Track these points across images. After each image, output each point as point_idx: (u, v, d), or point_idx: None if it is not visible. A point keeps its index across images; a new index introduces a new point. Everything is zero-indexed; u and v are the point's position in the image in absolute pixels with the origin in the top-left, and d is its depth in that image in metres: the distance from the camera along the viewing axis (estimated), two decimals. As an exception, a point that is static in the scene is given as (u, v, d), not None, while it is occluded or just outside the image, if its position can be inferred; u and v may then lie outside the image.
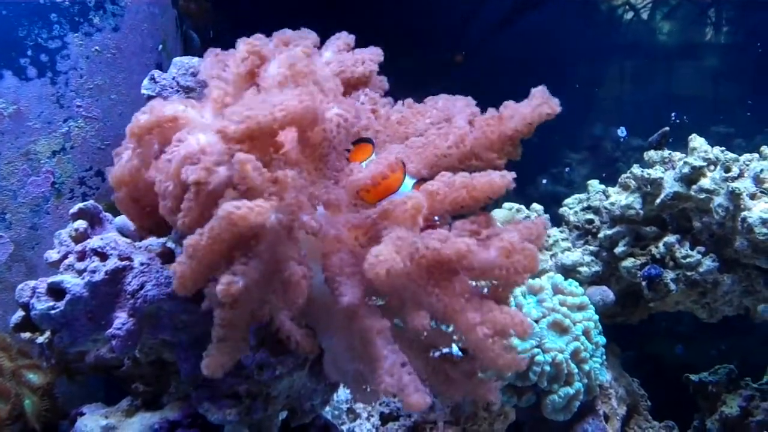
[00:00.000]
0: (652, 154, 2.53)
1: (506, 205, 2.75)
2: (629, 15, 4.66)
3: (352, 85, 1.44)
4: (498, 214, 2.62)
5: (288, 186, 1.04)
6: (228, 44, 1.33)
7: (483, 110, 1.30)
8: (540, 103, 1.21)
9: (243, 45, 1.25)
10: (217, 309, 1.10)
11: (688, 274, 2.39)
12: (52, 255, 1.46)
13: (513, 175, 1.15)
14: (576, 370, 2.14)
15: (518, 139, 1.24)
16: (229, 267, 1.05)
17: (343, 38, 1.50)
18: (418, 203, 1.08)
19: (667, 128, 2.58)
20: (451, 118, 1.32)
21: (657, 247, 2.46)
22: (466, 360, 1.24)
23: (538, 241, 1.18)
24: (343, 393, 2.06)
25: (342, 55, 1.46)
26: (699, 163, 2.35)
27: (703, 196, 2.32)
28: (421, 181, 1.22)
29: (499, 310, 1.14)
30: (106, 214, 1.56)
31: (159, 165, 1.17)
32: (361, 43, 1.52)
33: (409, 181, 1.22)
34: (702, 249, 2.40)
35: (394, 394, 1.10)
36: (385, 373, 1.09)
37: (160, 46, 2.20)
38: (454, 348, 1.95)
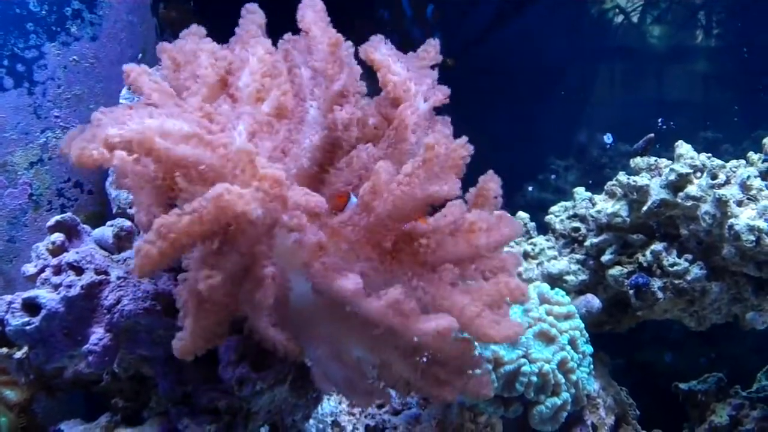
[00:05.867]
0: (638, 161, 2.51)
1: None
2: (619, 18, 4.68)
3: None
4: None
5: (277, 181, 1.03)
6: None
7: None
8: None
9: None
10: (189, 300, 1.08)
11: (676, 282, 2.37)
12: (29, 269, 1.45)
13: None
14: (563, 380, 2.12)
15: None
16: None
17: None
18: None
19: (652, 134, 2.56)
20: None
21: (644, 255, 2.44)
22: (454, 358, 1.22)
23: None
24: (327, 406, 2.03)
25: None
26: (685, 170, 2.34)
27: (689, 203, 2.30)
28: None
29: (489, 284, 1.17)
30: (84, 226, 1.54)
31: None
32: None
33: None
34: (689, 257, 2.38)
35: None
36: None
37: (140, 56, 2.18)
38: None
